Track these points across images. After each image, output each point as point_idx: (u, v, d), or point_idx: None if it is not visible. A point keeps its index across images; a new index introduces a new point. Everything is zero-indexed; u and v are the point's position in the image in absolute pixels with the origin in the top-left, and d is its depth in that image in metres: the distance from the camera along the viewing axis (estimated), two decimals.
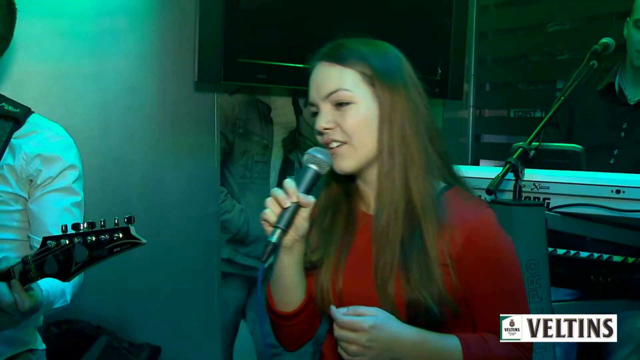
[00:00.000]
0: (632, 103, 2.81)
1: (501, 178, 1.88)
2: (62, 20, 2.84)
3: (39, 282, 1.52)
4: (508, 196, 2.00)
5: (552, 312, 1.97)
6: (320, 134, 1.46)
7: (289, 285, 1.48)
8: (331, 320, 1.40)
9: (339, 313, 1.35)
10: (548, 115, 2.12)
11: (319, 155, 1.43)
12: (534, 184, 2.01)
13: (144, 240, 1.31)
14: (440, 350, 1.42)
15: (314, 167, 1.43)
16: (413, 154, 1.44)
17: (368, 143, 1.45)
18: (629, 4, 2.81)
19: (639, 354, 2.78)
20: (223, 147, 3.33)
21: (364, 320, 1.34)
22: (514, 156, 1.94)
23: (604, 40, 2.40)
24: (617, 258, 2.07)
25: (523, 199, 1.98)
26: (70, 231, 1.33)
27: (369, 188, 1.52)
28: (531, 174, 2.01)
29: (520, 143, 2.01)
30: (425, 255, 1.40)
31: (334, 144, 1.44)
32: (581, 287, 2.08)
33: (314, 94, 1.48)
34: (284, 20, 3.21)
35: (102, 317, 2.93)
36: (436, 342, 1.42)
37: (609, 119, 2.85)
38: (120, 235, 1.29)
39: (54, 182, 1.75)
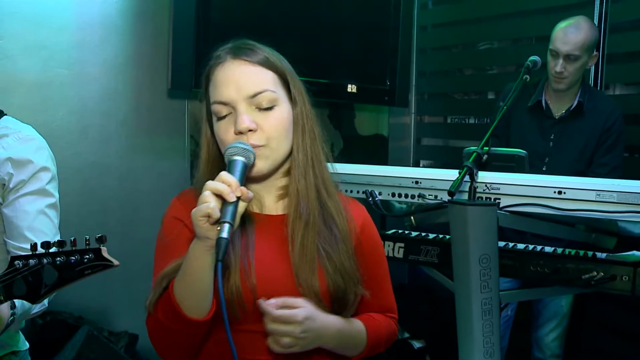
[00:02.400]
0: (556, 117, 2.86)
1: (461, 181, 1.82)
2: (45, 33, 2.74)
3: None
4: (463, 196, 1.95)
5: (500, 301, 1.93)
6: (240, 133, 1.27)
7: (205, 289, 1.20)
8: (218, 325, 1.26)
9: (271, 307, 1.21)
10: (495, 122, 2.09)
11: (243, 146, 1.24)
12: (486, 185, 1.96)
13: (116, 262, 1.16)
14: (354, 335, 1.39)
15: (242, 158, 1.22)
16: (319, 154, 1.39)
17: (284, 145, 1.33)
18: (546, 29, 2.84)
19: (562, 326, 2.95)
20: (193, 149, 3.25)
21: (298, 313, 1.23)
22: (470, 160, 1.87)
23: (532, 58, 2.40)
24: (548, 249, 2.06)
25: (477, 198, 1.93)
26: (40, 250, 1.17)
27: (263, 188, 1.38)
28: (483, 176, 1.96)
29: (473, 148, 1.95)
30: (341, 243, 1.35)
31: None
32: (523, 276, 2.03)
33: (231, 93, 1.28)
34: (249, 34, 3.10)
35: (83, 308, 2.84)
36: (351, 328, 1.38)
37: (539, 131, 2.89)
38: (92, 256, 1.15)
39: (26, 186, 1.55)
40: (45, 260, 1.15)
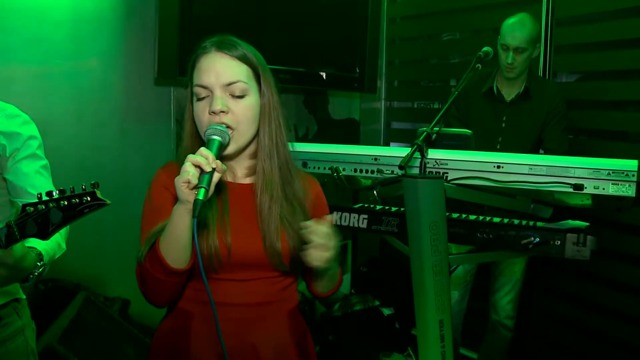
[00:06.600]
0: (507, 101, 3.03)
1: (410, 156, 1.93)
2: (44, 27, 2.81)
3: (37, 246, 1.55)
4: (415, 171, 2.07)
5: (449, 264, 2.05)
6: (213, 114, 1.43)
7: (185, 244, 1.36)
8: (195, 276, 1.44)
9: (319, 226, 1.38)
10: (446, 106, 2.19)
11: (220, 128, 1.41)
12: (436, 161, 2.07)
13: (108, 201, 1.28)
14: (337, 270, 1.58)
15: (218, 138, 1.39)
16: (283, 139, 1.54)
17: (250, 129, 1.49)
18: (503, 21, 2.97)
19: (515, 290, 3.08)
20: (178, 132, 3.24)
21: (334, 234, 1.40)
22: (420, 139, 1.99)
23: (485, 49, 2.46)
24: (496, 219, 2.15)
25: (427, 173, 2.05)
26: (45, 198, 1.31)
27: (236, 162, 1.54)
28: (433, 153, 2.07)
29: (424, 128, 2.06)
30: (299, 214, 1.51)
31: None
32: (471, 242, 2.12)
33: (211, 79, 1.44)
34: (229, 27, 3.18)
35: (80, 276, 2.93)
36: (336, 263, 1.54)
37: (493, 114, 3.04)
38: (88, 198, 1.28)
39: (20, 152, 1.72)
40: (51, 205, 1.29)
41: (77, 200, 1.28)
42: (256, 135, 1.53)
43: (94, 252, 2.99)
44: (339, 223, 2.29)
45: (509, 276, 3.10)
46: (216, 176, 1.32)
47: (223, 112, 1.43)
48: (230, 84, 1.45)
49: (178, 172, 1.31)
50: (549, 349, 3.55)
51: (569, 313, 3.44)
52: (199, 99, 1.47)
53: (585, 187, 1.88)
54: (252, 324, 1.50)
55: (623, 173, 1.84)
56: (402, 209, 2.25)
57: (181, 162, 1.32)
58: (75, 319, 2.50)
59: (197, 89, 1.47)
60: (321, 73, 3.63)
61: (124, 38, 3.10)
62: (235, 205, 1.51)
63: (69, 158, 2.89)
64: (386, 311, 3.83)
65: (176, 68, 3.01)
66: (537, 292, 3.52)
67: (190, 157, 1.31)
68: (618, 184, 1.85)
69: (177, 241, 1.36)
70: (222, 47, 1.47)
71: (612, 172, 1.85)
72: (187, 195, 1.30)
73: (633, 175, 1.83)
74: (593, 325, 3.31)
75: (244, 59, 1.48)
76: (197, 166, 1.30)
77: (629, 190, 1.84)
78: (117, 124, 3.14)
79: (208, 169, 1.30)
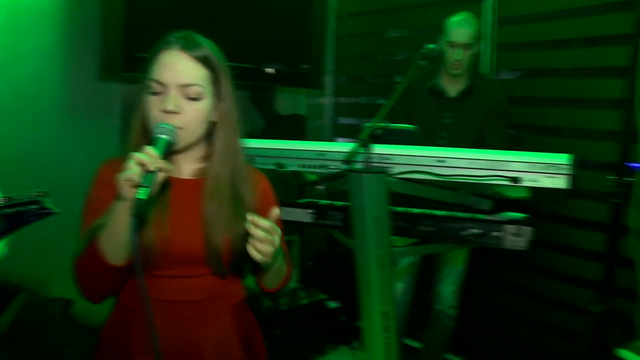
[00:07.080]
0: (451, 97, 3.09)
1: (355, 151, 1.96)
2: None
3: None
4: (360, 165, 2.08)
5: (392, 256, 2.10)
6: (164, 112, 1.41)
7: (124, 241, 1.33)
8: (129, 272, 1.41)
9: (262, 220, 1.36)
10: (391, 102, 2.21)
11: (169, 128, 1.38)
12: (380, 156, 2.10)
13: (57, 210, 1.28)
14: (284, 266, 1.61)
15: (166, 137, 1.37)
16: (238, 146, 1.54)
17: (197, 131, 1.47)
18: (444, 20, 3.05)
19: (458, 281, 3.18)
20: (123, 129, 3.24)
21: (277, 229, 1.39)
22: (364, 134, 2.02)
23: (429, 46, 2.51)
24: (438, 213, 2.20)
25: (371, 168, 2.07)
26: None
27: (184, 160, 1.52)
28: (377, 148, 2.09)
29: (369, 124, 2.09)
30: (245, 209, 1.48)
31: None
32: (415, 235, 2.18)
33: (168, 77, 1.41)
34: (174, 20, 3.13)
35: (20, 277, 2.84)
36: (282, 260, 1.57)
37: (438, 110, 3.10)
38: (35, 206, 1.28)
39: None
40: None
41: (23, 208, 1.27)
42: (205, 138, 1.51)
43: (35, 252, 2.90)
44: (285, 218, 2.28)
45: (452, 267, 3.18)
46: (160, 175, 1.31)
47: (175, 112, 1.41)
48: (186, 85, 1.43)
49: (122, 168, 1.28)
50: (490, 337, 3.64)
51: (510, 303, 3.54)
52: (153, 93, 1.44)
53: (522, 180, 1.94)
54: (194, 322, 1.50)
55: (557, 166, 1.91)
56: (348, 204, 2.25)
57: (126, 156, 1.29)
58: (14, 321, 2.44)
59: (152, 83, 1.44)
60: (268, 69, 3.61)
61: (66, 31, 3.02)
62: (177, 201, 1.49)
63: (4, 155, 2.81)
64: (332, 305, 3.87)
65: (121, 63, 2.93)
66: (479, 283, 3.60)
67: (135, 155, 1.29)
68: (553, 177, 1.92)
69: (116, 238, 1.34)
70: (186, 47, 1.44)
71: (547, 166, 1.92)
72: (128, 193, 1.28)
73: (566, 169, 1.91)
74: (533, 314, 3.41)
75: (205, 62, 1.46)
76: (141, 165, 1.28)
77: (563, 183, 1.91)
78: (58, 120, 3.07)
79: (151, 168, 1.28)
